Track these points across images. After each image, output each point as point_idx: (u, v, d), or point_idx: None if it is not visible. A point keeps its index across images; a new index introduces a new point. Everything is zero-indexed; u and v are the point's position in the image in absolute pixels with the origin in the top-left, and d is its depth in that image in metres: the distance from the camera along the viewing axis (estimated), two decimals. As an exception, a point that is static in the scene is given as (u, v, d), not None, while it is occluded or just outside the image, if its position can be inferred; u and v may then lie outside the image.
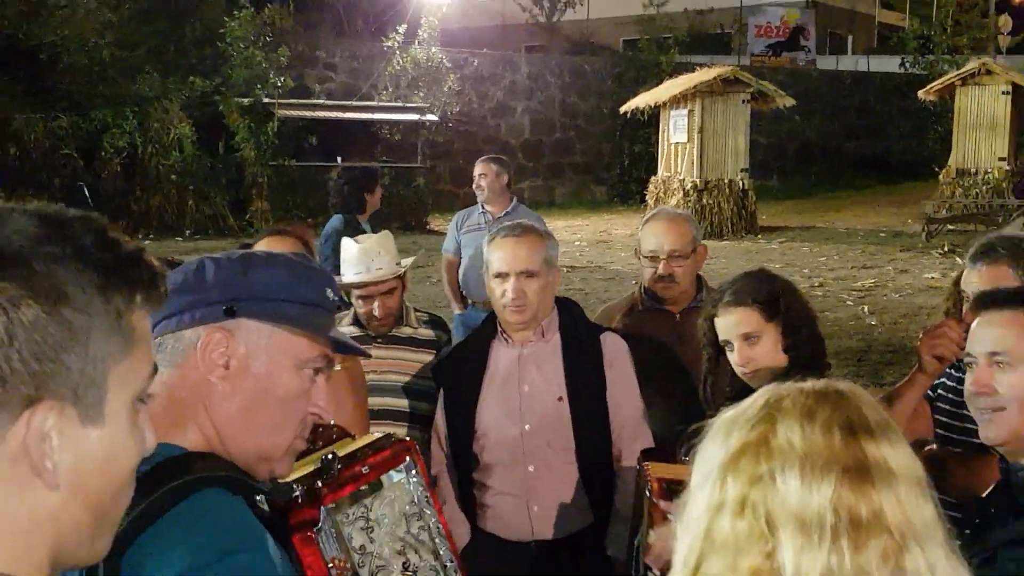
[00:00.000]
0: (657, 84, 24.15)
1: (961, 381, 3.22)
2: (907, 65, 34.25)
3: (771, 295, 3.22)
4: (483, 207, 7.50)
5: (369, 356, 2.08)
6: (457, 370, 3.72)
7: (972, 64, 25.13)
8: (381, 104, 23.64)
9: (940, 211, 21.48)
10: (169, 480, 1.53)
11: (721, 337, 3.22)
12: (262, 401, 1.69)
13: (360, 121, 22.75)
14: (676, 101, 21.95)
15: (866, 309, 13.06)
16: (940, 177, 24.01)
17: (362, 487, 1.91)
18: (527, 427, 3.54)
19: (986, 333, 2.32)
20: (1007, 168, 23.29)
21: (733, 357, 3.19)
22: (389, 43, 24.33)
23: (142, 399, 1.12)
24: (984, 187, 23.09)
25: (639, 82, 26.60)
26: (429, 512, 2.04)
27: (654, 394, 4.00)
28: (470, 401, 3.60)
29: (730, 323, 3.18)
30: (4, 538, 1.01)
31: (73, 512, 1.05)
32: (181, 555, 1.47)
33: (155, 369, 1.17)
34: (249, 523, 1.59)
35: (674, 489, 3.00)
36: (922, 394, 3.26)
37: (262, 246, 3.83)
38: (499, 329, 3.66)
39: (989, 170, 23.37)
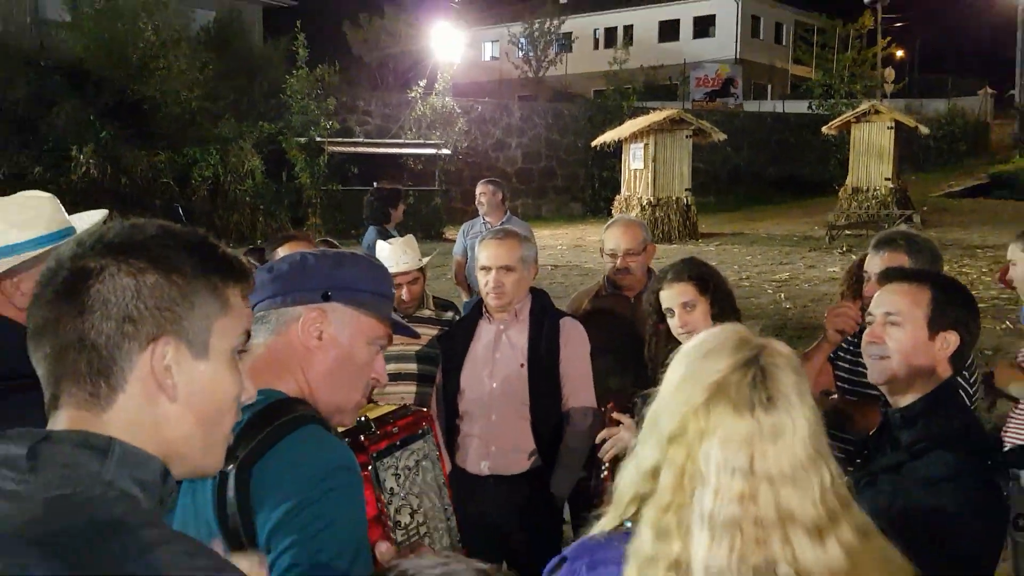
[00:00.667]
0: (620, 124, 24.07)
1: (855, 347, 3.25)
2: (814, 107, 34.25)
3: (703, 275, 3.27)
4: (484, 219, 7.53)
5: (418, 336, 2.09)
6: (453, 341, 3.75)
7: (864, 105, 25.10)
8: (407, 141, 23.66)
9: (839, 220, 21.51)
10: (283, 414, 1.59)
11: (664, 305, 3.26)
12: (343, 366, 1.75)
13: (391, 154, 22.75)
14: (635, 136, 21.87)
15: (782, 296, 13.08)
16: (840, 193, 23.97)
17: (395, 443, 1.95)
18: (494, 385, 3.58)
19: (885, 298, 2.32)
20: (891, 186, 23.30)
21: (674, 322, 3.23)
22: (412, 94, 24.33)
23: (239, 351, 1.19)
24: (874, 200, 23.06)
25: (606, 123, 26.53)
26: (438, 467, 2.07)
27: (614, 358, 4.02)
28: (457, 364, 3.64)
29: (672, 294, 3.23)
30: (135, 432, 1.08)
31: (186, 422, 1.13)
32: (307, 468, 1.53)
33: (248, 334, 1.24)
34: (347, 449, 1.66)
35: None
36: (826, 358, 3.28)
37: (284, 249, 4.01)
38: (484, 310, 3.68)
39: (877, 188, 23.35)
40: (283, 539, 1.46)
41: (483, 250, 3.61)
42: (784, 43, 48.53)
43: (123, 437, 1.08)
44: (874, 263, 3.26)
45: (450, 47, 28.78)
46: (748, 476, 1.33)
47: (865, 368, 3.28)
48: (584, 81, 38.87)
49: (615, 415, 3.04)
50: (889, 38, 41.54)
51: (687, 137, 22.02)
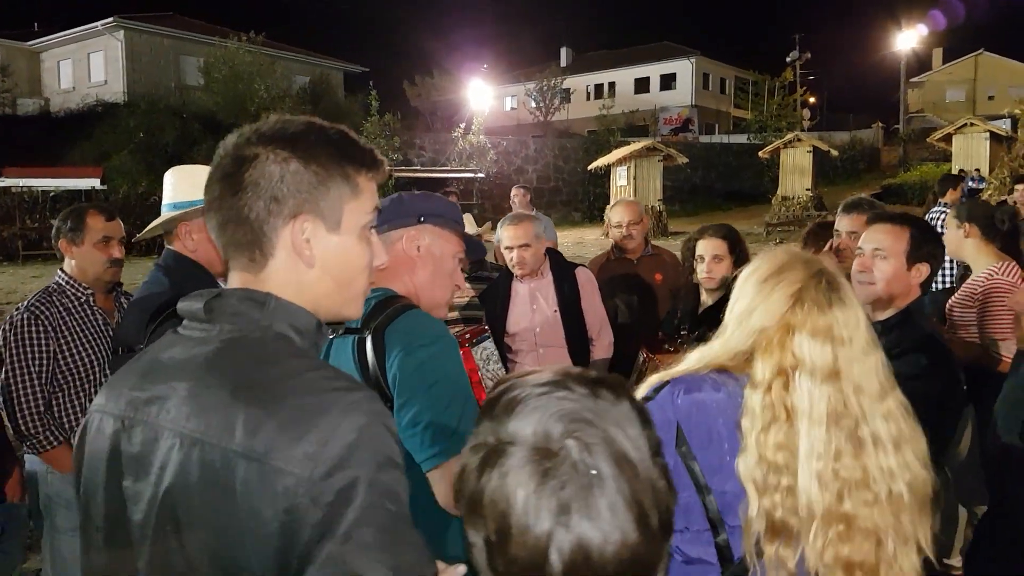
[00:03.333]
0: (608, 153, 23.94)
1: None
2: (751, 139, 33.82)
3: (735, 238, 3.13)
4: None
5: (485, 252, 2.04)
6: (494, 296, 3.61)
7: (789, 136, 24.84)
8: (452, 168, 23.55)
9: (773, 219, 21.23)
10: (395, 303, 1.58)
11: (698, 252, 3.13)
12: (438, 271, 1.72)
13: (441, 178, 22.67)
14: (620, 161, 21.68)
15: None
16: (772, 201, 23.71)
17: (472, 340, 1.92)
18: (537, 329, 3.47)
19: (873, 236, 2.23)
20: (810, 195, 23.00)
21: (701, 267, 3.09)
22: (455, 133, 24.24)
23: (369, 227, 1.09)
24: (797, 206, 22.78)
25: (598, 152, 26.32)
26: (500, 363, 2.01)
27: (623, 303, 3.94)
28: (502, 314, 3.52)
29: (708, 245, 3.09)
30: (286, 290, 1.02)
31: (324, 283, 1.04)
32: (421, 330, 1.53)
33: (377, 210, 1.11)
34: (444, 325, 1.63)
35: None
36: None
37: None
38: (515, 274, 3.56)
39: (800, 196, 23.08)
40: (404, 390, 1.46)
41: (504, 232, 3.51)
42: (727, 92, 48.19)
43: (277, 293, 1.01)
44: (843, 223, 3.12)
45: (481, 99, 28.62)
46: (834, 358, 1.30)
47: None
48: (580, 123, 38.51)
49: (657, 357, 2.90)
50: (805, 87, 40.99)
51: (659, 161, 21.85)
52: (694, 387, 1.40)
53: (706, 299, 3.18)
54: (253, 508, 0.86)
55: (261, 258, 1.02)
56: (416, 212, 1.72)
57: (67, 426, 2.73)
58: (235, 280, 1.04)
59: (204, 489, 0.89)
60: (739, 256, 3.10)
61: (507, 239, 3.49)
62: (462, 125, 24.39)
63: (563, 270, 3.58)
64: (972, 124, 22.25)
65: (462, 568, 1.01)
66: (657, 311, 3.91)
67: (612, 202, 22.37)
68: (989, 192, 14.83)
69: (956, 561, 3.48)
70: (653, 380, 1.46)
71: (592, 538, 0.70)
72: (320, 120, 1.08)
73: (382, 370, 1.50)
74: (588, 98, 46.12)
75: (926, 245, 2.16)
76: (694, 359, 1.47)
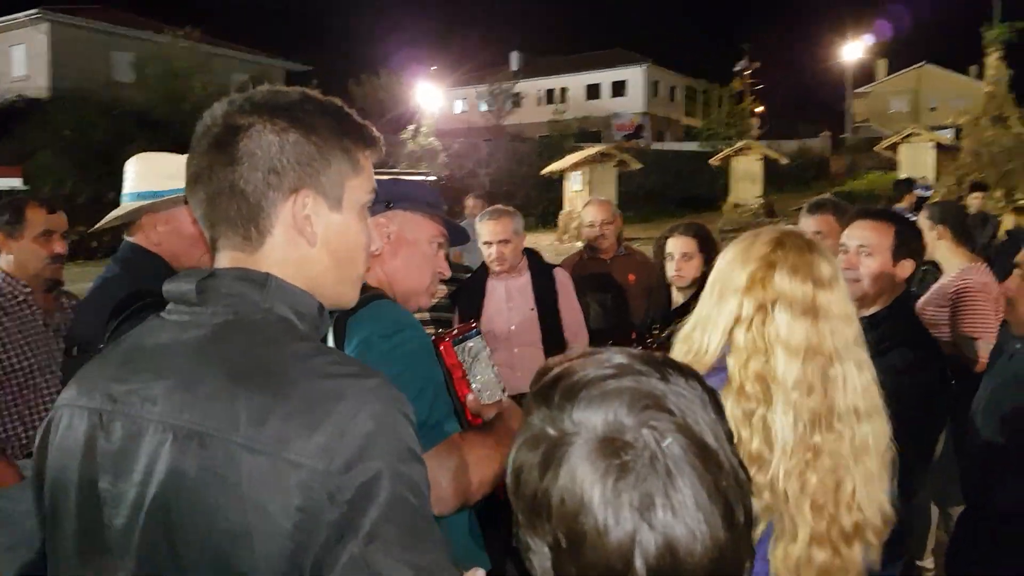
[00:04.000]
0: (562, 158, 24.10)
1: None
2: (702, 146, 34.54)
3: (705, 236, 3.15)
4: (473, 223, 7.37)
5: (469, 239, 1.98)
6: (469, 295, 3.56)
7: (740, 144, 25.47)
8: (401, 171, 23.15)
9: (727, 226, 21.68)
10: (367, 292, 1.50)
11: (668, 250, 3.15)
12: (412, 257, 1.68)
13: (387, 182, 22.45)
14: (574, 167, 21.82)
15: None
16: (724, 207, 24.24)
17: (457, 337, 1.83)
18: (512, 327, 3.43)
19: (858, 232, 2.25)
20: (761, 202, 23.60)
21: (671, 265, 3.11)
22: (404, 136, 24.05)
23: (367, 207, 1.05)
24: (748, 212, 23.33)
25: (551, 157, 26.49)
26: (491, 361, 1.94)
27: (597, 305, 3.93)
28: (477, 312, 3.48)
29: (678, 243, 3.11)
30: (283, 270, 0.97)
31: (323, 263, 1.00)
32: (380, 324, 1.46)
33: (375, 193, 1.07)
34: (412, 316, 1.58)
35: None
36: None
37: None
38: (491, 271, 3.51)
39: (751, 203, 23.65)
40: None
41: (483, 227, 3.48)
42: (676, 100, 49.23)
43: (276, 273, 0.97)
44: (809, 223, 3.15)
45: (431, 101, 28.51)
46: (813, 295, 1.34)
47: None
48: (533, 128, 38.71)
49: None
50: (753, 96, 42.17)
51: (613, 167, 22.09)
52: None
53: (677, 297, 3.20)
54: (261, 506, 0.79)
55: (257, 235, 0.97)
56: (383, 197, 1.65)
57: (2, 436, 2.55)
58: (225, 259, 0.98)
59: (203, 487, 0.82)
60: (709, 254, 3.13)
61: (486, 234, 3.45)
62: (411, 127, 24.19)
63: (541, 269, 3.58)
64: (917, 134, 23.16)
65: (481, 572, 0.96)
66: (630, 312, 3.92)
67: (565, 210, 22.59)
68: (937, 199, 15.46)
69: (928, 563, 3.56)
70: None
71: (680, 536, 0.65)
72: (313, 91, 1.02)
73: None
74: (540, 103, 46.51)
75: (911, 241, 2.19)
76: (680, 339, 1.48)
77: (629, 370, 0.73)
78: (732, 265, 1.42)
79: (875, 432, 1.34)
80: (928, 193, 17.63)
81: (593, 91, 47.45)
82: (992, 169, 17.39)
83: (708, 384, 0.75)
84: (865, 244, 2.19)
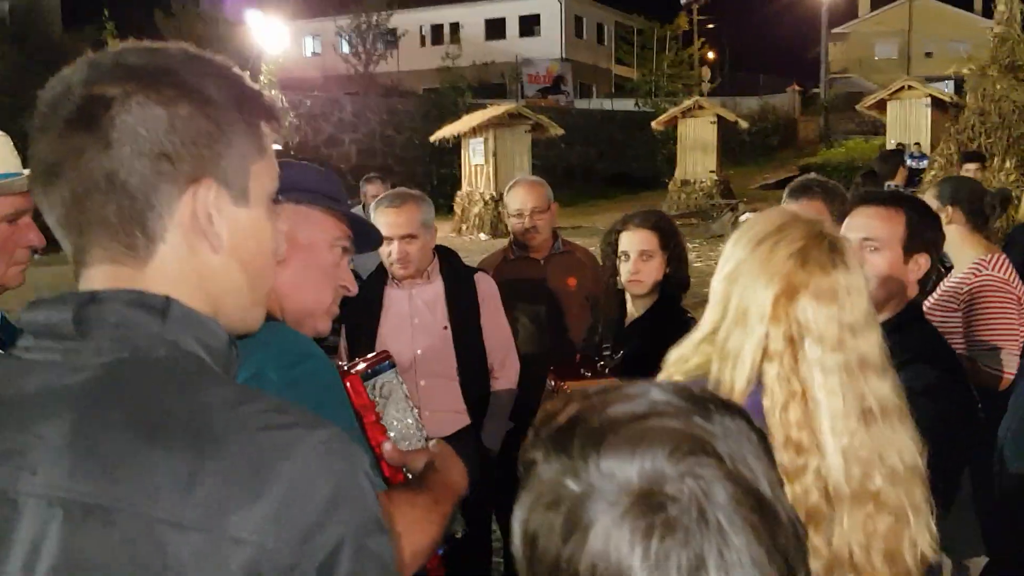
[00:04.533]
0: (456, 119, 24.14)
1: None
2: (640, 105, 35.41)
3: (668, 228, 3.22)
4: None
5: (380, 241, 2.02)
6: (358, 309, 3.51)
7: (689, 102, 26.26)
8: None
9: (674, 210, 22.32)
10: None
11: (622, 248, 3.19)
12: (307, 266, 1.69)
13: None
14: (474, 132, 21.92)
15: (630, 282, 13.32)
16: (670, 186, 24.94)
17: (367, 372, 1.88)
18: (419, 352, 3.46)
19: (861, 222, 2.37)
20: (715, 178, 24.43)
21: (626, 267, 3.16)
22: (237, 88, 23.45)
23: (275, 200, 1.08)
24: (700, 192, 24.14)
25: (441, 118, 26.55)
26: (408, 399, 1.99)
27: (528, 320, 4.01)
28: (371, 331, 3.47)
29: (634, 239, 3.16)
30: (181, 288, 0.98)
31: (234, 275, 1.03)
32: (271, 352, 1.46)
33: (280, 178, 1.11)
34: (312, 342, 1.61)
35: None
36: None
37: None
38: (390, 276, 3.53)
39: (703, 180, 24.45)
40: None
41: (380, 218, 3.43)
42: (606, 43, 50.11)
43: (170, 293, 0.97)
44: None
45: (273, 39, 27.96)
46: (839, 325, 1.50)
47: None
48: (415, 78, 38.67)
49: (567, 385, 2.96)
50: (703, 39, 43.60)
51: (526, 132, 22.30)
52: None
53: (633, 309, 3.29)
54: None
55: (145, 242, 0.97)
56: None
57: None
58: (102, 276, 0.98)
59: None
60: (674, 252, 3.22)
61: (384, 227, 3.43)
62: (245, 74, 23.70)
63: (458, 275, 3.60)
64: (910, 87, 24.44)
65: None
66: (568, 325, 4.02)
67: (463, 189, 22.64)
68: (934, 172, 16.42)
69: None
70: None
71: None
72: (193, 48, 1.05)
73: None
74: (423, 43, 46.43)
75: (927, 231, 2.34)
76: (675, 358, 1.57)
77: (664, 407, 0.79)
78: (754, 278, 1.54)
79: (914, 443, 1.53)
80: (923, 164, 18.79)
81: (495, 28, 47.80)
82: (1003, 132, 18.54)
83: (754, 422, 0.83)
84: (871, 237, 2.31)
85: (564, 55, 45.04)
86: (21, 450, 0.89)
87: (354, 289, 1.80)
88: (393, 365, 2.03)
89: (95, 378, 0.91)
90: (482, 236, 21.05)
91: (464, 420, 3.52)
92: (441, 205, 26.78)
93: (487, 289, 3.63)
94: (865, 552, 1.41)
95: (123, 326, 0.94)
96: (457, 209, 22.44)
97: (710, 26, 47.62)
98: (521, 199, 4.15)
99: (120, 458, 0.86)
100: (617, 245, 3.22)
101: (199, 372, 0.95)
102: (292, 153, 24.11)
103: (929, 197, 3.79)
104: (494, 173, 21.66)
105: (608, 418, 0.79)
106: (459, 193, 22.73)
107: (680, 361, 1.58)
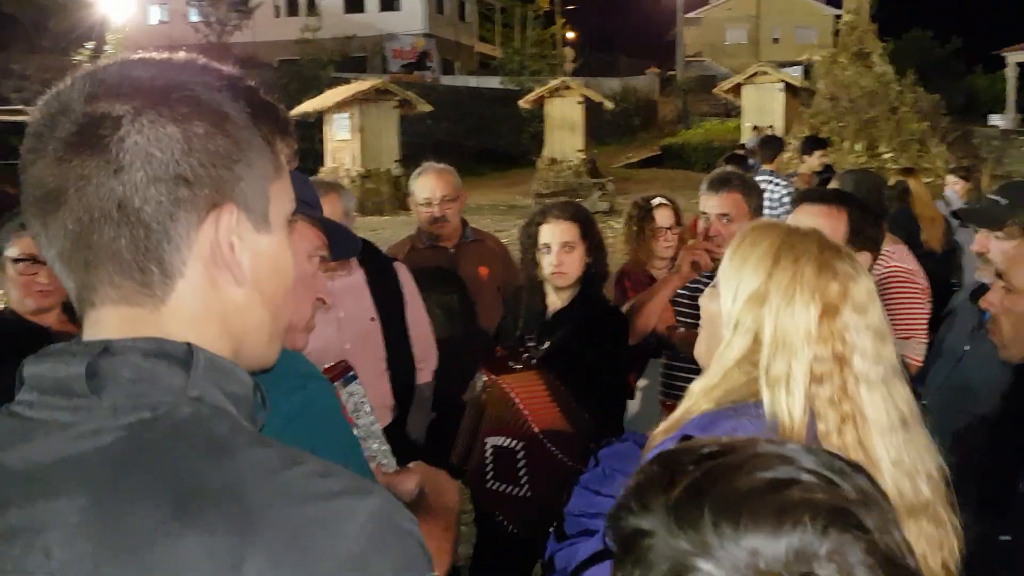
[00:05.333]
0: (318, 95, 23.67)
1: (693, 281, 3.36)
2: (505, 83, 35.57)
3: (587, 219, 3.23)
4: None
5: (359, 250, 1.90)
6: None
7: (556, 81, 26.51)
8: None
9: (544, 189, 22.54)
10: None
11: (543, 241, 3.18)
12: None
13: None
14: (339, 107, 21.56)
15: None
16: (538, 164, 25.13)
17: (343, 375, 1.80)
18: (347, 346, 3.31)
19: (802, 220, 2.40)
20: (583, 157, 24.79)
21: (548, 259, 3.16)
22: (78, 58, 22.27)
23: (291, 220, 1.01)
24: (568, 171, 24.42)
25: (302, 92, 26.03)
26: (372, 413, 1.90)
27: (441, 311, 3.93)
28: None
29: (555, 230, 3.15)
30: (202, 330, 0.90)
31: (255, 308, 0.96)
32: (274, 377, 1.30)
33: (295, 200, 1.03)
34: (309, 363, 1.56)
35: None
36: (673, 293, 3.35)
37: None
38: None
39: (571, 159, 24.76)
40: None
41: None
42: (467, 20, 50.18)
43: (190, 336, 0.89)
44: (712, 203, 3.38)
45: (117, 6, 26.62)
46: (873, 334, 1.48)
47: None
48: (271, 49, 37.61)
49: (502, 380, 2.93)
50: (564, 19, 44.20)
51: (393, 108, 22.12)
52: (720, 429, 1.43)
53: (555, 300, 3.28)
54: None
55: (162, 279, 0.88)
56: None
57: None
58: (114, 320, 0.89)
59: None
60: (593, 242, 3.23)
61: None
62: (88, 45, 22.49)
63: (379, 265, 3.49)
64: (764, 73, 25.54)
65: None
66: (480, 314, 3.96)
67: (326, 166, 22.25)
68: (789, 154, 17.10)
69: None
70: (656, 438, 1.49)
71: None
72: (200, 57, 0.97)
73: None
74: (278, 14, 45.24)
75: (868, 228, 2.41)
76: (702, 387, 1.50)
77: (798, 472, 0.74)
78: (788, 299, 1.48)
79: (939, 459, 1.53)
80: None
81: (354, 1, 47.04)
82: (852, 117, 19.55)
83: (878, 483, 0.78)
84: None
85: (427, 30, 44.74)
86: (32, 528, 0.78)
87: (330, 301, 1.74)
88: (355, 376, 1.93)
89: (114, 443, 0.81)
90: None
91: (391, 416, 3.41)
92: (304, 182, 26.26)
93: (407, 279, 3.54)
94: (924, 563, 1.40)
95: (142, 381, 0.85)
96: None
97: (570, 7, 48.27)
98: (430, 188, 4.07)
99: (150, 539, 0.76)
100: (537, 237, 3.21)
101: (231, 432, 0.85)
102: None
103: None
104: (361, 149, 21.36)
105: (741, 488, 0.73)
106: (322, 169, 22.27)
107: (708, 390, 1.51)
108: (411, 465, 1.69)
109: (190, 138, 0.87)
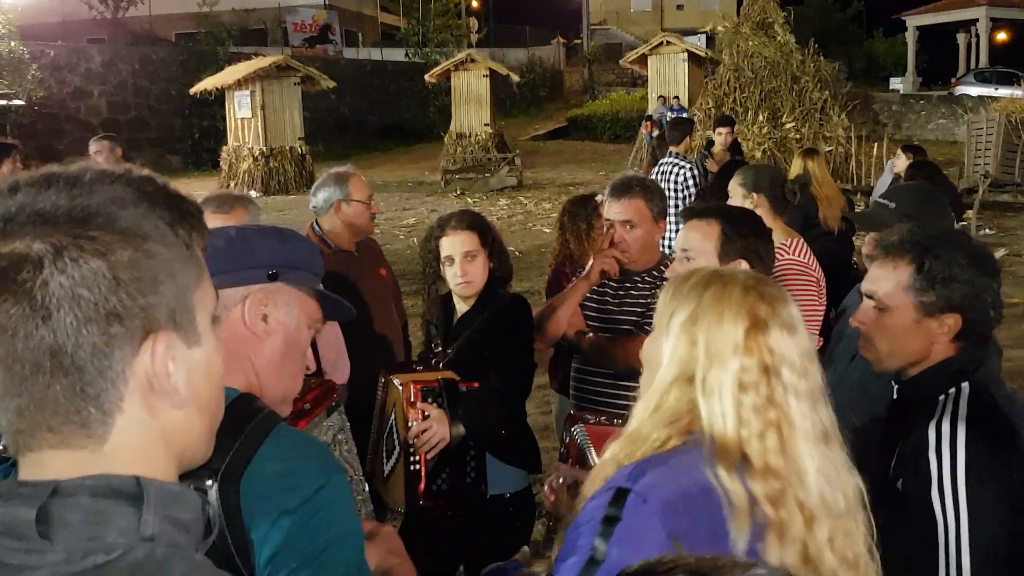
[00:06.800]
0: (217, 70, 23.08)
1: (600, 286, 3.41)
2: (410, 55, 35.18)
3: (484, 225, 3.25)
4: None
5: (354, 314, 1.89)
6: None
7: (461, 55, 26.41)
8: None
9: (451, 165, 22.46)
10: (249, 416, 1.43)
11: (445, 253, 3.20)
12: (291, 351, 1.65)
13: (-54, 106, 19.84)
14: (240, 84, 21.07)
15: (415, 241, 13.36)
16: (445, 140, 25.01)
17: (315, 420, 1.80)
18: None
19: (683, 236, 2.60)
20: (490, 131, 24.77)
21: (452, 271, 3.18)
22: (-31, 37, 21.31)
23: (215, 317, 1.02)
24: (476, 145, 24.38)
25: (200, 68, 25.33)
26: (351, 440, 1.91)
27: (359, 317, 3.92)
28: None
29: (456, 242, 3.18)
30: (147, 458, 0.90)
31: (194, 423, 0.96)
32: (301, 478, 1.40)
33: (217, 295, 1.04)
34: (325, 448, 1.57)
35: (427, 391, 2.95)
36: (582, 298, 3.39)
37: None
38: None
39: (479, 133, 24.74)
40: (288, 563, 1.36)
41: (209, 222, 3.25)
42: (370, -11, 49.33)
43: (137, 466, 0.88)
44: (614, 209, 3.41)
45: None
46: (801, 354, 1.55)
47: (612, 304, 3.46)
48: (168, 23, 36.36)
49: (422, 407, 2.93)
50: (467, -12, 43.80)
51: (295, 84, 21.74)
52: (664, 475, 1.45)
53: (463, 306, 3.31)
54: None
55: (101, 418, 0.87)
56: (267, 262, 1.62)
57: None
58: (56, 463, 0.87)
59: None
60: (494, 247, 3.27)
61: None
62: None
63: None
64: (669, 43, 25.83)
65: None
66: (393, 318, 3.95)
67: (229, 144, 21.77)
68: (700, 131, 17.35)
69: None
70: (597, 485, 1.50)
71: None
72: (102, 166, 0.93)
73: (238, 543, 1.36)
74: (173, -13, 43.83)
75: (739, 239, 2.54)
76: (645, 407, 1.57)
77: None
78: (718, 316, 1.54)
79: (856, 476, 1.60)
80: (683, 115, 19.85)
81: (253, -28, 45.83)
82: (755, 87, 19.91)
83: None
84: (688, 248, 2.53)
85: (328, 2, 43.84)
86: None
87: (312, 367, 1.76)
88: (338, 404, 1.94)
89: None
90: (253, 193, 20.27)
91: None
92: (205, 160, 25.75)
93: None
94: (841, 561, 1.48)
95: (94, 524, 0.83)
96: (224, 164, 21.56)
97: (474, -25, 47.84)
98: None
99: None
100: (439, 251, 3.22)
101: (188, 572, 0.87)
102: (36, 108, 22.22)
103: (734, 185, 4.01)
104: (263, 127, 20.93)
105: None
106: (225, 148, 21.79)
107: (653, 410, 1.55)
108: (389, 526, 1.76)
109: (116, 270, 0.85)
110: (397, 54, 36.93)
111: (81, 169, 0.90)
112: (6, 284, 0.82)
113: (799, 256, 3.77)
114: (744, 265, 2.48)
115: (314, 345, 3.34)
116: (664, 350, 1.59)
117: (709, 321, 1.55)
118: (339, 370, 3.53)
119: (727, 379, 1.50)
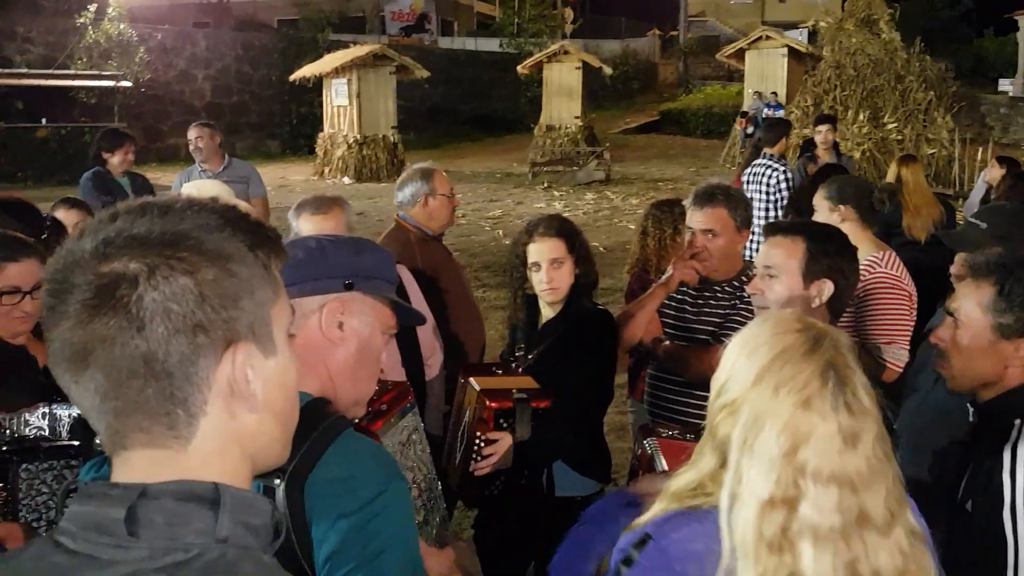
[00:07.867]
0: (316, 58, 23.48)
1: (679, 293, 3.39)
2: (504, 45, 35.24)
3: (572, 232, 3.25)
4: (201, 166, 6.81)
5: (424, 320, 2.04)
6: None
7: (554, 46, 26.28)
8: (79, 72, 21.52)
9: (540, 157, 22.45)
10: (319, 420, 1.51)
11: (532, 259, 3.22)
12: (364, 357, 1.72)
13: (60, 87, 20.64)
14: (337, 72, 21.39)
15: (500, 233, 13.45)
16: (535, 131, 24.99)
17: (391, 420, 1.93)
18: None
19: (765, 252, 2.53)
20: (580, 124, 24.66)
21: (539, 276, 3.19)
22: (81, 20, 22.13)
23: (291, 334, 1.10)
24: (566, 138, 24.31)
25: (300, 55, 25.84)
26: (424, 439, 1.98)
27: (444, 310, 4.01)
28: None
29: (543, 248, 3.19)
30: (225, 462, 1.00)
31: (269, 428, 1.05)
32: (362, 481, 1.47)
33: (294, 310, 1.14)
34: (388, 454, 1.62)
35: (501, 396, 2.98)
36: (659, 304, 3.38)
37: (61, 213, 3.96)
38: None
39: (568, 126, 24.66)
40: (344, 564, 1.42)
41: (305, 223, 3.44)
42: (467, -22, 49.49)
43: (213, 470, 0.98)
44: (696, 218, 3.38)
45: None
46: (839, 482, 1.39)
47: (690, 312, 3.44)
48: (270, 10, 37.22)
49: (490, 436, 2.96)
50: (565, -22, 43.55)
51: (391, 73, 21.97)
52: (690, 534, 1.46)
53: (548, 312, 3.32)
54: None
55: (187, 420, 0.97)
56: (343, 272, 1.70)
57: None
58: (144, 463, 0.97)
59: None
60: (580, 253, 3.26)
61: (311, 232, 3.35)
62: (92, 7, 22.29)
63: None
64: (768, 37, 25.20)
65: None
66: (475, 304, 4.03)
67: (324, 131, 22.18)
68: (796, 130, 16.95)
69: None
70: (627, 533, 1.51)
71: None
72: (193, 196, 1.05)
73: (302, 541, 1.44)
74: (277, -26, 44.74)
75: (825, 258, 2.47)
76: (677, 488, 1.52)
77: None
78: (775, 407, 1.42)
79: None
80: (779, 113, 19.44)
81: (353, -39, 46.48)
82: (857, 86, 19.36)
83: None
84: (770, 265, 2.46)
85: (425, -10, 44.24)
86: None
87: (386, 372, 1.85)
88: (413, 406, 2.04)
89: None
90: (346, 180, 20.65)
91: None
92: (301, 146, 26.25)
93: (407, 277, 3.57)
94: None
95: (175, 525, 0.93)
96: (319, 151, 21.96)
97: (571, -36, 47.56)
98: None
99: None
100: (526, 257, 3.24)
101: (254, 572, 0.95)
102: (143, 90, 22.96)
103: (819, 199, 3.93)
104: (358, 115, 21.24)
105: None
106: (321, 134, 22.19)
107: (685, 493, 1.51)
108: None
109: (202, 287, 0.95)
110: (491, 44, 37.01)
111: (172, 199, 1.01)
112: (106, 299, 0.92)
113: (891, 269, 3.70)
114: (829, 284, 2.45)
115: (412, 342, 3.46)
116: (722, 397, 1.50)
117: (746, 420, 1.44)
118: (434, 357, 3.62)
119: (759, 488, 1.39)
